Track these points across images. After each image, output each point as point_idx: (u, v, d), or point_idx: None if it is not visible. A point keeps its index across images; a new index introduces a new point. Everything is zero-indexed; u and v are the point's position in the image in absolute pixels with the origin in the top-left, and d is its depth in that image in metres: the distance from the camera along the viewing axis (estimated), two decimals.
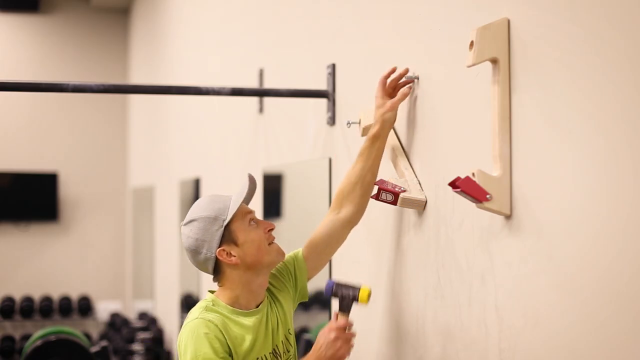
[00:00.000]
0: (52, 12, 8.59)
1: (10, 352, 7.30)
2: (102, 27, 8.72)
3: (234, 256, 2.09)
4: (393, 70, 2.21)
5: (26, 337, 7.33)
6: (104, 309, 8.28)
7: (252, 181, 2.17)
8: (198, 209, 2.12)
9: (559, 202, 1.57)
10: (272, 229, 2.15)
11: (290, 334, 2.21)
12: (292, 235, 3.40)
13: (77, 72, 8.44)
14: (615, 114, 1.42)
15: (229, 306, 2.11)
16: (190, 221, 2.12)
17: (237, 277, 2.11)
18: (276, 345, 2.14)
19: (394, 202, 2.14)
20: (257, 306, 2.15)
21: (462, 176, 1.71)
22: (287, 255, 2.26)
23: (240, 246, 2.09)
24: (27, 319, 7.90)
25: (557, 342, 1.58)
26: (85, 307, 8.14)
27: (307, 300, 2.33)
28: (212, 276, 2.17)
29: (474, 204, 1.75)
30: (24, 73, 8.24)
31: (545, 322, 1.61)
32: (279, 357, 2.14)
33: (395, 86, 2.22)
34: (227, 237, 2.09)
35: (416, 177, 2.17)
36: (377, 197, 2.13)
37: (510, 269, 1.73)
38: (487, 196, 1.70)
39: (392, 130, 2.29)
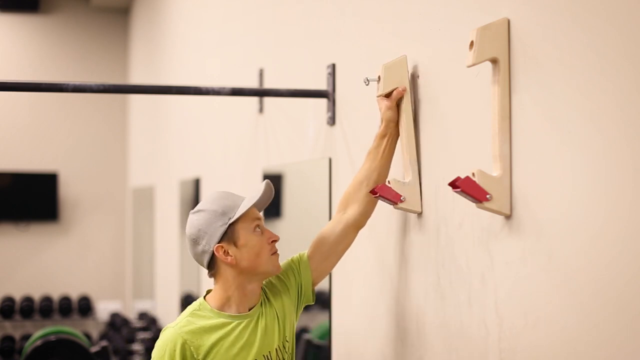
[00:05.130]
0: (52, 12, 8.59)
1: (10, 352, 7.30)
2: (102, 27, 8.72)
3: (231, 256, 2.09)
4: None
5: (26, 337, 7.34)
6: (104, 309, 8.28)
7: (268, 187, 2.16)
8: (208, 201, 2.12)
9: (559, 202, 1.57)
10: (275, 240, 2.14)
11: (287, 341, 2.18)
12: (292, 235, 3.39)
13: (77, 72, 8.44)
14: (615, 113, 1.42)
15: (215, 310, 2.11)
16: (198, 211, 2.12)
17: (231, 278, 2.11)
18: (268, 352, 2.12)
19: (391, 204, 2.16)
20: (249, 310, 2.14)
21: (462, 176, 1.71)
22: (292, 257, 2.26)
23: (240, 248, 2.09)
24: (27, 319, 7.91)
25: (557, 342, 1.58)
26: (85, 307, 8.14)
27: (312, 303, 2.29)
28: (207, 271, 2.16)
29: (474, 204, 1.75)
30: (24, 73, 8.25)
31: (545, 322, 1.61)
32: None
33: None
34: (229, 235, 2.09)
35: (419, 176, 2.16)
36: (374, 193, 2.14)
37: (510, 269, 1.73)
38: (487, 196, 1.70)
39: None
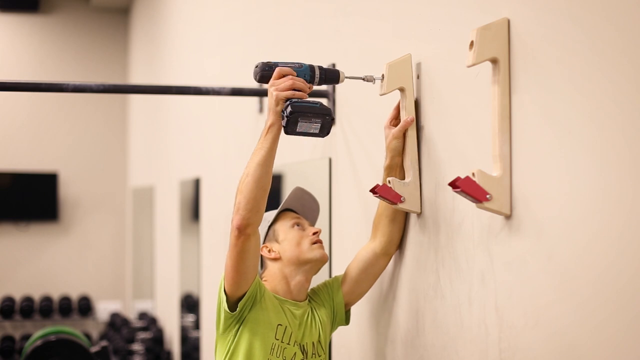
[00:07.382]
0: (52, 12, 8.59)
1: (10, 352, 7.30)
2: (102, 27, 8.72)
3: (274, 252, 2.27)
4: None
5: (26, 337, 7.34)
6: (104, 309, 8.29)
7: (297, 189, 2.35)
8: None
9: (559, 202, 1.57)
10: (317, 233, 2.30)
11: (323, 341, 2.28)
12: None
13: (77, 72, 8.45)
14: (615, 113, 1.42)
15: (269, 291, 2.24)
16: None
17: (278, 270, 2.26)
18: (305, 343, 2.22)
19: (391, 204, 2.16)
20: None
21: (462, 176, 1.71)
22: (331, 278, 2.39)
23: (281, 243, 2.28)
24: (27, 319, 7.91)
25: (557, 342, 1.58)
26: (85, 307, 8.14)
27: (346, 324, 2.39)
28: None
29: (474, 204, 1.75)
30: (24, 73, 8.25)
31: (545, 322, 1.61)
32: (305, 355, 2.21)
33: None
34: (270, 236, 2.30)
35: (420, 176, 2.15)
36: (374, 193, 2.13)
37: (510, 269, 1.73)
38: (487, 196, 1.70)
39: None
